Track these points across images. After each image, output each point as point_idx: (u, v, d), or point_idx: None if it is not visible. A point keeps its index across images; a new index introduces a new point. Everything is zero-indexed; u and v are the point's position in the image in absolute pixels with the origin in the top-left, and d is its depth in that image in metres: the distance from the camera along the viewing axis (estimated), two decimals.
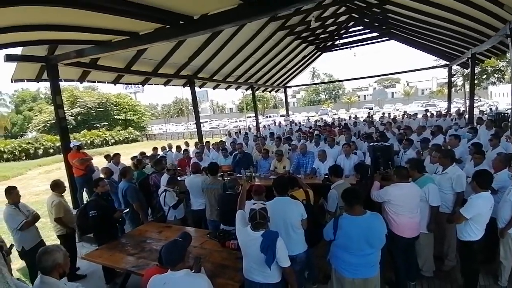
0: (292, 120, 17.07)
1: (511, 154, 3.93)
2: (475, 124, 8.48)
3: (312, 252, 3.31)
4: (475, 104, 20.37)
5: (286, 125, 14.53)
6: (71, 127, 30.05)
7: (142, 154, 7.33)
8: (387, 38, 13.35)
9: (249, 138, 9.58)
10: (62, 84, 6.77)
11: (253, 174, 5.83)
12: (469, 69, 10.73)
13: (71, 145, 6.43)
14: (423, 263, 3.43)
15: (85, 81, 7.64)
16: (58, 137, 7.85)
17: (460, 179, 3.40)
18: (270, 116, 39.35)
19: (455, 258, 3.55)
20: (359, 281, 2.46)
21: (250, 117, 37.68)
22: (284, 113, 23.85)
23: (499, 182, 3.31)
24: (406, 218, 3.04)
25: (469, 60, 10.00)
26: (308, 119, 18.90)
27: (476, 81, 16.88)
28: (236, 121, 42.75)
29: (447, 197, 3.42)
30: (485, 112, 16.73)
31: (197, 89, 10.81)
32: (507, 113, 15.17)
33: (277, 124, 15.37)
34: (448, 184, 3.40)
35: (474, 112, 12.06)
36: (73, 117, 32.50)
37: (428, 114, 12.61)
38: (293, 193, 3.23)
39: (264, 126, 15.72)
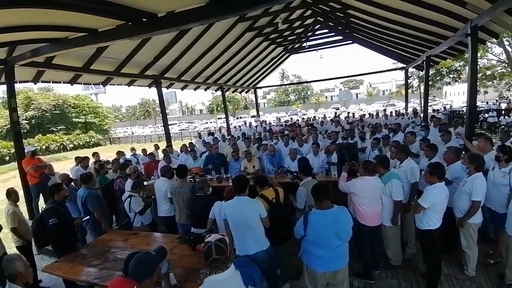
0: (263, 120, 17.20)
1: (462, 147, 4.26)
2: (429, 122, 9.17)
3: (283, 249, 3.36)
4: (430, 104, 22.13)
5: (256, 126, 14.59)
6: (25, 131, 27.55)
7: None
8: (350, 41, 13.96)
9: (220, 139, 9.47)
10: (18, 86, 6.30)
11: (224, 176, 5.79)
12: (423, 71, 11.52)
13: (26, 151, 5.93)
14: (392, 254, 3.63)
15: (39, 82, 7.05)
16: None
17: (413, 171, 3.65)
18: (241, 117, 39.30)
19: (415, 246, 3.80)
20: (330, 273, 2.54)
21: (220, 118, 37.31)
22: (255, 114, 23.96)
23: (453, 173, 3.56)
24: (370, 208, 3.26)
25: (424, 62, 10.81)
26: (279, 119, 19.18)
27: (430, 82, 18.25)
28: (207, 123, 42.12)
29: (404, 188, 3.61)
30: (440, 111, 18.16)
31: (164, 90, 10.45)
32: (462, 111, 16.65)
33: (247, 125, 15.39)
34: (404, 176, 3.63)
35: (428, 111, 13.07)
36: (27, 121, 29.73)
37: (388, 113, 13.41)
38: (263, 192, 3.24)
39: (235, 127, 15.65)
